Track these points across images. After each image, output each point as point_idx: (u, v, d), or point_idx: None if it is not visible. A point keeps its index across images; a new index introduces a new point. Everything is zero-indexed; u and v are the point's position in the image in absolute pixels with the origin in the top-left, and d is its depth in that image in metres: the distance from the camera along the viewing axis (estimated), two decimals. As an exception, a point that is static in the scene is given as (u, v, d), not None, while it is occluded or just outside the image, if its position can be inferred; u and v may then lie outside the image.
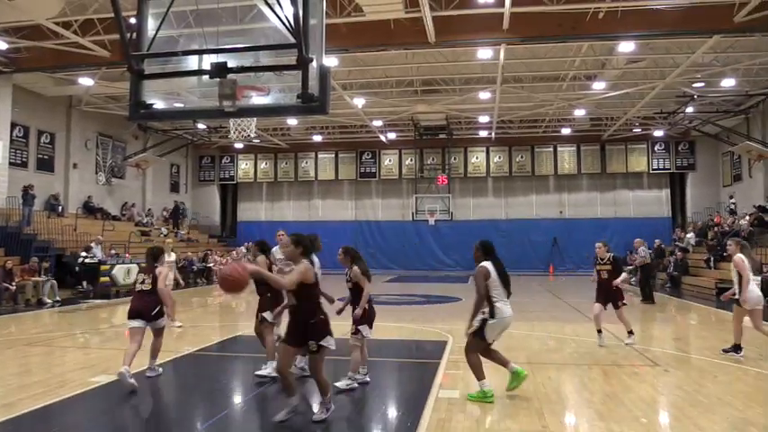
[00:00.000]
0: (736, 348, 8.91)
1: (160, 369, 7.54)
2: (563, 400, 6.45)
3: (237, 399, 6.87)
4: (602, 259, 9.86)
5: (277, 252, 8.14)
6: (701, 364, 8.40)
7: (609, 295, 9.70)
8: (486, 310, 6.39)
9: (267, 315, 7.35)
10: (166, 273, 7.44)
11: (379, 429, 5.84)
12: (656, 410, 6.30)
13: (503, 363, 6.58)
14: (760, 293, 8.77)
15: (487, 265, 6.55)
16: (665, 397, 6.73)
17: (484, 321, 6.38)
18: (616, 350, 9.36)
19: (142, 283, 7.31)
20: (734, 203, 26.38)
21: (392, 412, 6.30)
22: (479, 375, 6.39)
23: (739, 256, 8.77)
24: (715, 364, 8.23)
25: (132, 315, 7.20)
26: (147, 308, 7.15)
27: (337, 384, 6.64)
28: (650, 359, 8.65)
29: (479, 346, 6.46)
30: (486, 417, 5.99)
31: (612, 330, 10.34)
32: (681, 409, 6.14)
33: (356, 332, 6.89)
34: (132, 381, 6.58)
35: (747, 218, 22.55)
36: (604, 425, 5.55)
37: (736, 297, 8.74)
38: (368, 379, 7.08)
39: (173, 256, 13.57)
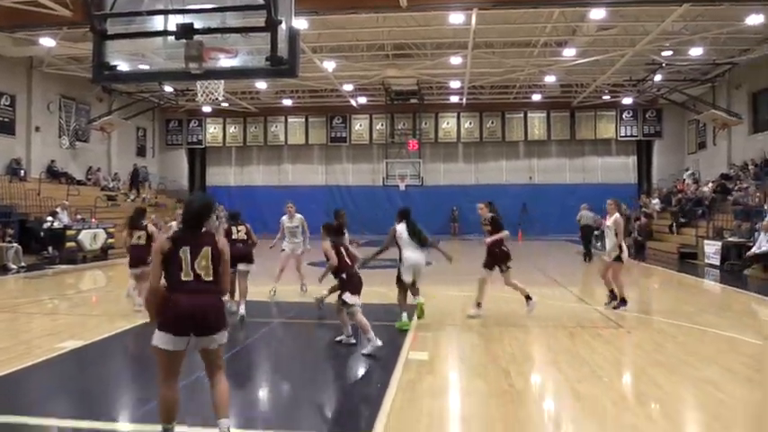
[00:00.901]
0: (623, 302, 9.64)
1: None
2: (529, 361, 6.62)
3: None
4: (484, 220, 9.32)
5: (286, 221, 10.96)
6: (662, 325, 8.67)
7: (494, 258, 9.07)
8: (398, 257, 8.43)
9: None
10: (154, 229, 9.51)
11: (351, 391, 5.93)
12: (619, 370, 6.51)
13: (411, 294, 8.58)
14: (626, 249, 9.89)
15: (398, 226, 8.42)
16: (627, 357, 6.96)
17: (398, 267, 8.45)
18: (580, 312, 9.60)
19: (138, 238, 9.21)
20: (695, 172, 26.96)
21: (363, 374, 6.40)
22: (402, 307, 8.39)
23: (618, 216, 9.78)
24: (675, 326, 8.50)
25: (133, 263, 9.21)
26: (144, 257, 8.62)
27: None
28: (614, 321, 8.90)
29: (403, 287, 8.47)
30: (455, 377, 6.13)
31: (577, 293, 10.58)
32: (642, 368, 6.36)
33: (342, 302, 7.01)
34: None
35: (710, 185, 23.09)
36: (568, 384, 5.73)
37: (618, 254, 9.55)
38: (353, 341, 7.29)
39: None
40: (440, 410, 5.11)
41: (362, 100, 30.60)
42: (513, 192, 31.05)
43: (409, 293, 8.56)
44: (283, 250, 11.22)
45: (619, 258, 9.58)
